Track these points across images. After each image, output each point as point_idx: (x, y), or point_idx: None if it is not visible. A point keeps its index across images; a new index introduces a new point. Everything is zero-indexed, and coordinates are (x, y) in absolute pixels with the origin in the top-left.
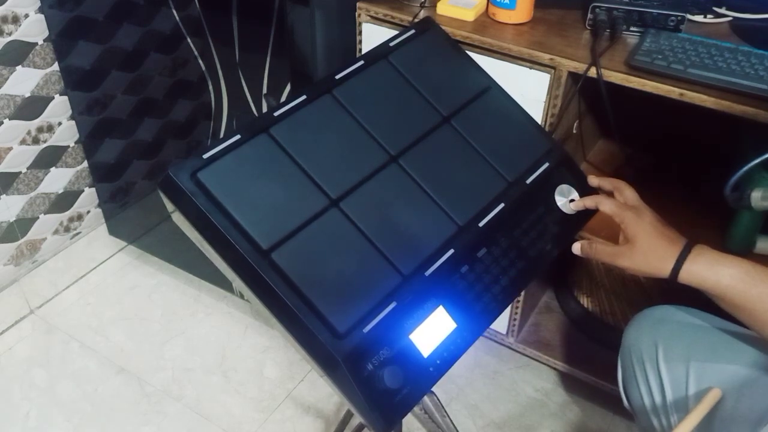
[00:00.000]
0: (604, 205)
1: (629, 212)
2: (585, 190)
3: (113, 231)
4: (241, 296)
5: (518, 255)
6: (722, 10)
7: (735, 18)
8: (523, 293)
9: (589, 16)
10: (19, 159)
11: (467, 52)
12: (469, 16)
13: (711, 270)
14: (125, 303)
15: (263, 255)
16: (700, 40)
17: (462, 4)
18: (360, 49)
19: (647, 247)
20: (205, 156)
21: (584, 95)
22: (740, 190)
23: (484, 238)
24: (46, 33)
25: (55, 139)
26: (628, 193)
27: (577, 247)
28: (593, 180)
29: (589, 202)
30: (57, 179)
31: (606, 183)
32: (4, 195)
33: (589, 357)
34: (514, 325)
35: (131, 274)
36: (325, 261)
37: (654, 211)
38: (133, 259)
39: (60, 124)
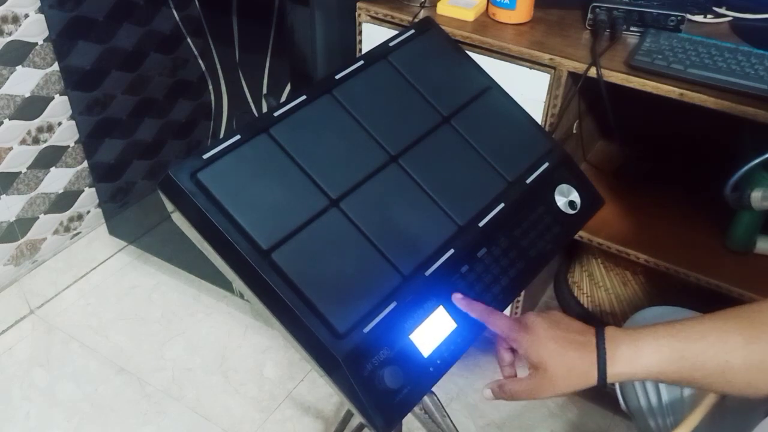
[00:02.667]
0: (495, 325)
1: (524, 334)
2: (585, 190)
3: (113, 231)
4: (241, 296)
5: (518, 255)
6: (722, 10)
7: (735, 18)
8: (523, 293)
9: (589, 16)
10: (19, 159)
11: (467, 52)
12: (469, 16)
13: (636, 366)
14: (125, 303)
15: (263, 255)
16: (700, 40)
17: (462, 4)
18: (360, 49)
19: (562, 368)
20: (205, 156)
21: (584, 95)
22: (740, 190)
23: (484, 238)
24: (46, 33)
25: (55, 139)
26: (498, 323)
27: (488, 394)
28: (461, 302)
29: (476, 313)
30: (57, 179)
31: (475, 311)
32: (4, 195)
33: None
34: None
35: (131, 274)
36: (325, 261)
37: (541, 315)
38: (133, 259)
39: (60, 124)
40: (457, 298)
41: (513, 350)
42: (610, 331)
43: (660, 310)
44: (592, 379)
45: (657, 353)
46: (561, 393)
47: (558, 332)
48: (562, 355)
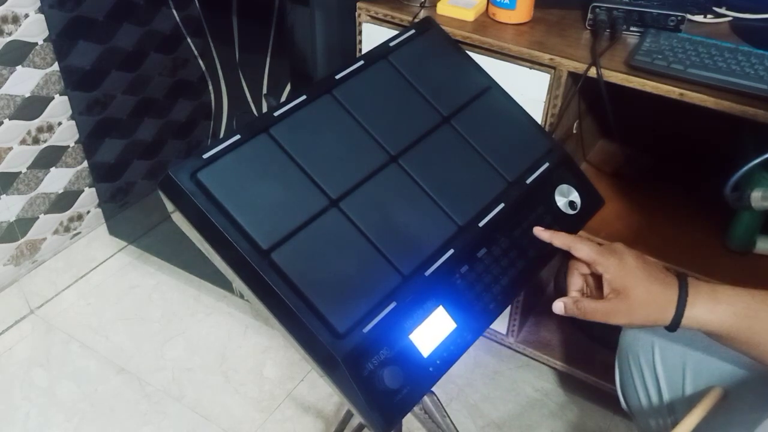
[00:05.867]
0: (581, 250)
1: (612, 258)
2: (585, 190)
3: (113, 231)
4: (241, 296)
5: (518, 255)
6: (722, 10)
7: (735, 18)
8: (523, 293)
9: (589, 16)
10: (19, 159)
11: (467, 52)
12: (469, 16)
13: (712, 312)
14: (125, 303)
15: (263, 255)
16: (700, 40)
17: (462, 4)
18: (360, 49)
19: (643, 298)
20: (205, 156)
21: (584, 95)
22: (740, 190)
23: (484, 238)
24: (46, 33)
25: (55, 139)
26: (585, 248)
27: (559, 307)
28: (543, 233)
29: (560, 240)
30: (57, 179)
31: (558, 239)
32: (4, 195)
33: (589, 357)
34: (514, 325)
35: (131, 274)
36: (325, 261)
37: (634, 250)
38: (133, 259)
39: (60, 124)
40: (538, 230)
41: (585, 277)
42: (692, 279)
43: None
44: (668, 316)
45: (733, 306)
46: (634, 323)
47: (645, 265)
48: (647, 286)
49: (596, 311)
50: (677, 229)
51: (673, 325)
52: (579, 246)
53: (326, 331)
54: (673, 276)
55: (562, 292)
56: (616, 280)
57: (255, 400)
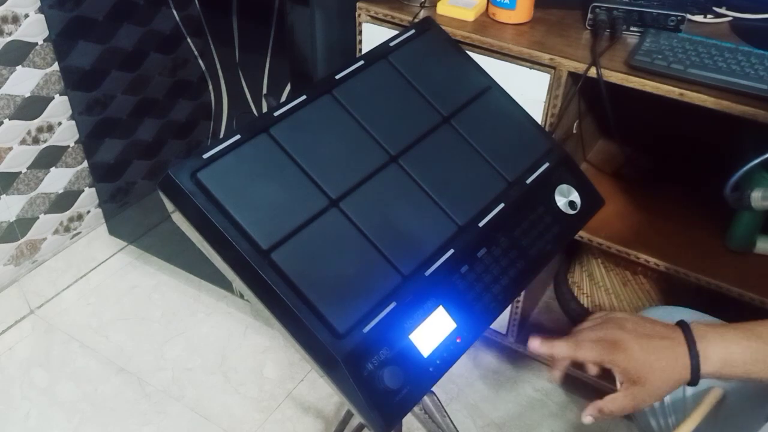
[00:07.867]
0: (586, 356)
1: (617, 354)
2: (585, 190)
3: (113, 231)
4: (241, 296)
5: (518, 255)
6: (722, 10)
7: (735, 18)
8: (523, 293)
9: (589, 16)
10: (19, 159)
11: (467, 52)
12: (469, 16)
13: (725, 366)
14: (125, 303)
15: (263, 255)
16: (700, 40)
17: (462, 4)
18: (360, 49)
19: (659, 376)
20: (205, 156)
21: (584, 95)
22: (740, 190)
23: (484, 238)
24: (46, 33)
25: (55, 139)
26: (587, 351)
27: (589, 420)
28: (540, 348)
29: (560, 350)
30: (57, 179)
31: (557, 349)
32: (4, 195)
33: None
34: (514, 325)
35: (131, 274)
36: (325, 261)
37: (621, 326)
38: (133, 259)
39: (60, 124)
40: (534, 344)
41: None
42: (697, 330)
43: (661, 310)
44: (684, 379)
45: (744, 355)
46: (660, 398)
47: (645, 341)
48: (657, 362)
49: (624, 408)
50: (677, 229)
51: (693, 384)
52: (582, 354)
53: (326, 331)
54: (677, 330)
55: (561, 294)
56: (631, 372)
57: (255, 400)
